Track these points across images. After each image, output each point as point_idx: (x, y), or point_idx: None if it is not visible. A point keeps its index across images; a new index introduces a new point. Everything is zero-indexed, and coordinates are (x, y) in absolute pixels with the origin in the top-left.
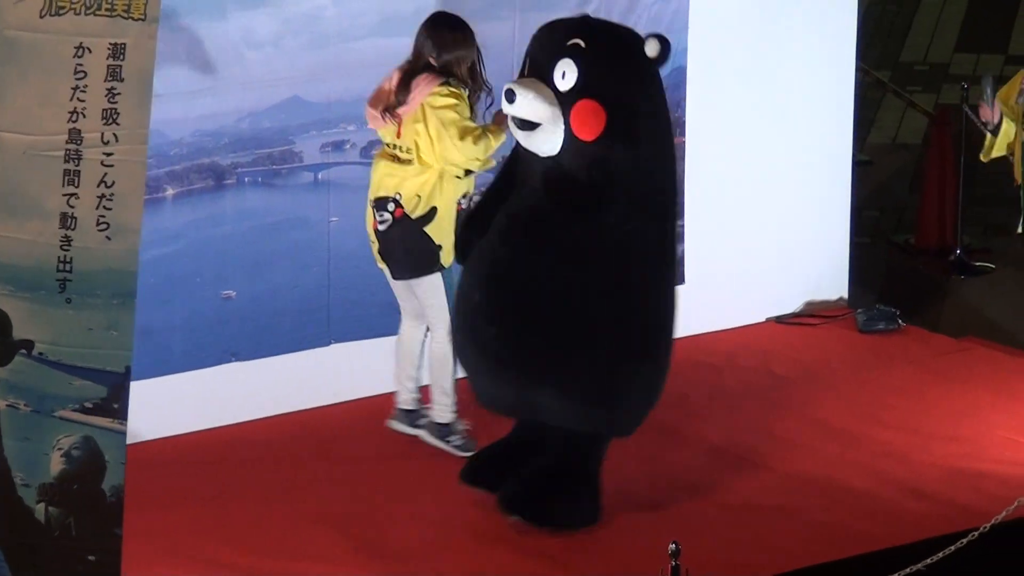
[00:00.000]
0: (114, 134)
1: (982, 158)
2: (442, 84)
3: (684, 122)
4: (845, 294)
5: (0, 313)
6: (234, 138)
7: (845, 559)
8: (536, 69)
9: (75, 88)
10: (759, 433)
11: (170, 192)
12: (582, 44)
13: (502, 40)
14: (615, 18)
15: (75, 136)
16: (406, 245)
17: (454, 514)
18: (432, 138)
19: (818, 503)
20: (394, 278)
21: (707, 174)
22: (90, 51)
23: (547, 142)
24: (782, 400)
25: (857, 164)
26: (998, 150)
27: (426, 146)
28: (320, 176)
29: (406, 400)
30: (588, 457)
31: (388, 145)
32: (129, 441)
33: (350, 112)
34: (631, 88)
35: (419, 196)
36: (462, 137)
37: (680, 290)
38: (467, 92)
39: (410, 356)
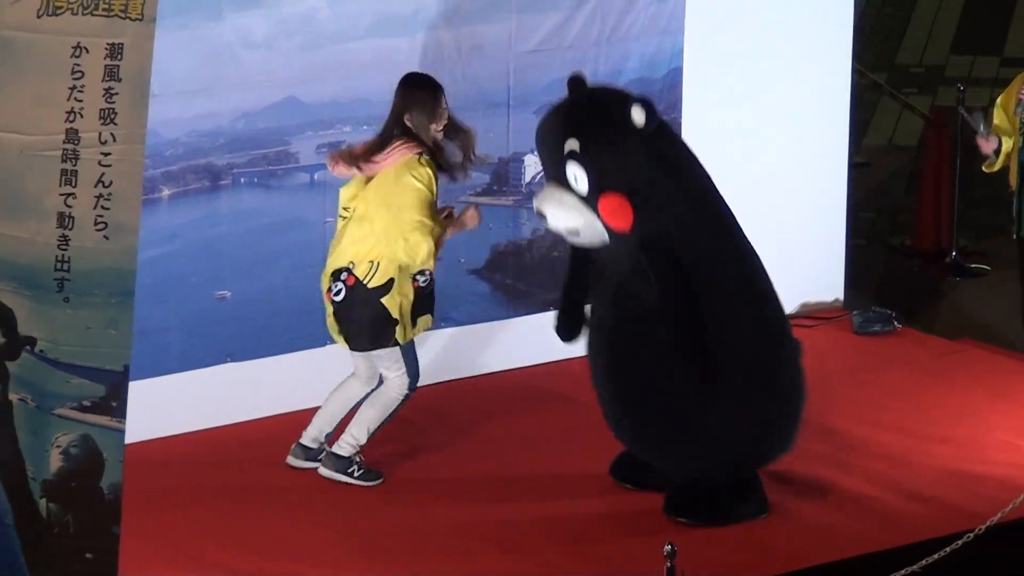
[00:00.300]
0: (111, 134)
1: (984, 169)
2: (417, 155)
3: (680, 124)
4: (841, 296)
5: (5, 308)
6: (230, 139)
7: (841, 560)
8: (550, 170)
9: (72, 88)
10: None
11: (166, 192)
12: (577, 149)
13: (498, 42)
14: (611, 19)
15: (72, 136)
16: (363, 315)
17: (453, 517)
18: (389, 213)
19: (814, 504)
20: (352, 349)
21: None
22: (87, 51)
23: (595, 238)
24: None
25: (853, 166)
26: (1001, 163)
27: (383, 214)
28: (316, 177)
29: (312, 437)
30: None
31: (343, 209)
32: (125, 441)
33: (346, 113)
34: (639, 165)
35: (372, 263)
36: (415, 230)
37: None
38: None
39: (342, 406)
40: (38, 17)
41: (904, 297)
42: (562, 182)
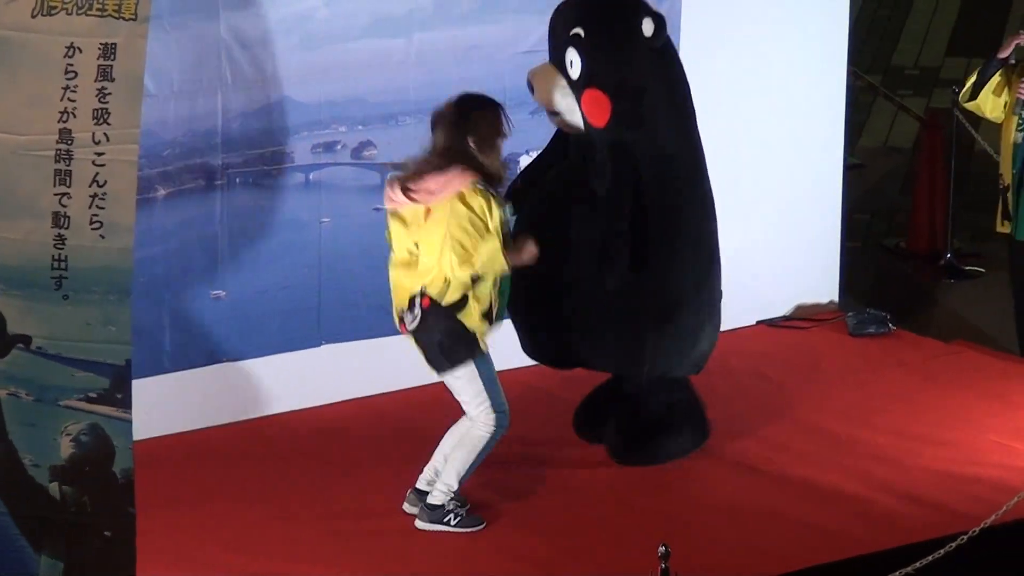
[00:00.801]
0: (105, 134)
1: (960, 99)
2: (474, 183)
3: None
4: (836, 297)
5: None
6: (226, 138)
7: (835, 562)
8: (553, 54)
9: (65, 88)
10: (749, 436)
11: (161, 192)
12: (582, 34)
13: (494, 43)
14: None
15: (65, 136)
16: (440, 333)
17: None
18: (445, 242)
19: (808, 506)
20: (434, 370)
21: None
22: (81, 51)
23: (572, 123)
24: (772, 403)
25: (848, 168)
26: (981, 103)
27: (438, 246)
28: (311, 177)
29: (427, 481)
30: (671, 390)
31: (407, 252)
32: None
33: (341, 113)
34: (634, 73)
35: (447, 281)
36: (465, 260)
37: None
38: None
39: (449, 441)
40: (32, 17)
41: (899, 299)
42: (559, 64)
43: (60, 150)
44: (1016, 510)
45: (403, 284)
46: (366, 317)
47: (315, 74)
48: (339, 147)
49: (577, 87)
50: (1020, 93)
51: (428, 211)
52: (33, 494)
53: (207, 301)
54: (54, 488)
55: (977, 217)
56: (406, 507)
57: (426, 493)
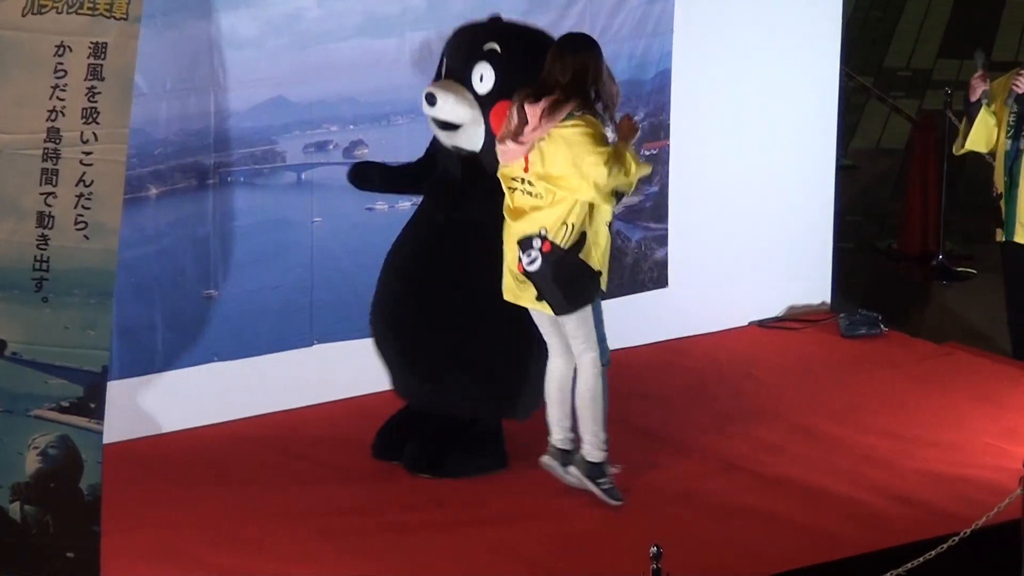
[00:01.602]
0: (94, 133)
1: (955, 151)
2: (571, 115)
3: (668, 125)
4: (828, 299)
5: None
6: (217, 138)
7: (826, 563)
8: (453, 72)
9: (55, 87)
10: (740, 437)
11: (153, 191)
12: (498, 49)
13: None
14: (600, 21)
15: (54, 135)
16: (564, 277)
17: (437, 516)
18: (571, 170)
19: (799, 507)
20: (556, 314)
21: (691, 178)
22: (71, 50)
23: (468, 141)
24: (764, 404)
25: (841, 169)
26: (973, 143)
27: (565, 178)
28: (303, 176)
29: (561, 440)
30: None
31: (515, 179)
32: (110, 440)
33: (333, 112)
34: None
35: (566, 224)
36: (604, 165)
37: (663, 294)
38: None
39: (561, 394)
40: (23, 16)
41: (890, 300)
42: (462, 80)
43: (48, 149)
44: (1007, 512)
45: (520, 220)
46: (358, 316)
47: (307, 74)
48: (331, 146)
49: (486, 101)
50: (1016, 86)
51: (541, 152)
52: None
53: (199, 300)
54: (14, 509)
55: (969, 219)
56: (546, 460)
57: (567, 451)
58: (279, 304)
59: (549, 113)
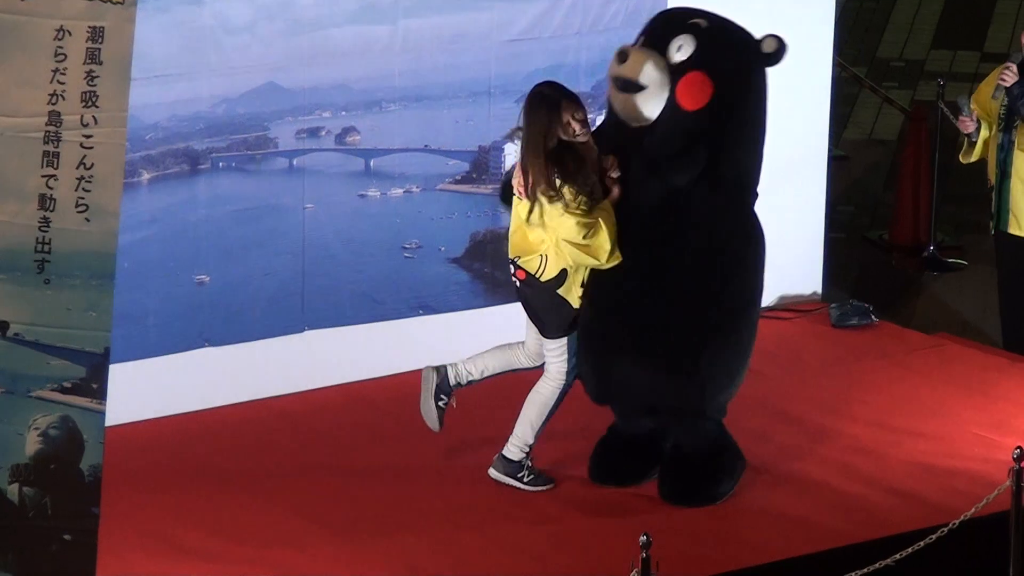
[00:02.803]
0: (93, 116)
1: (961, 159)
2: (546, 189)
3: None
4: (819, 289)
5: None
6: (209, 123)
7: (814, 554)
8: (652, 42)
9: (55, 70)
10: (730, 427)
11: (145, 177)
12: (703, 24)
13: (480, 30)
14: (593, 11)
15: (55, 118)
16: (544, 306)
17: (429, 504)
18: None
19: (787, 498)
20: (542, 335)
21: None
22: (70, 34)
23: (647, 106)
24: (753, 394)
25: (833, 159)
26: (978, 154)
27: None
28: (295, 162)
29: (453, 364)
30: (719, 429)
31: (517, 194)
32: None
33: (325, 99)
34: (741, 75)
35: (542, 256)
36: (577, 243)
37: None
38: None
39: (501, 364)
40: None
41: (881, 291)
42: (659, 50)
43: (49, 132)
44: (996, 503)
45: (511, 236)
46: (349, 303)
47: (300, 60)
48: (323, 133)
49: (678, 69)
50: (1003, 80)
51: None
52: None
53: (191, 286)
54: (13, 491)
55: (960, 210)
56: (491, 472)
57: (446, 375)
58: (270, 290)
59: (532, 184)
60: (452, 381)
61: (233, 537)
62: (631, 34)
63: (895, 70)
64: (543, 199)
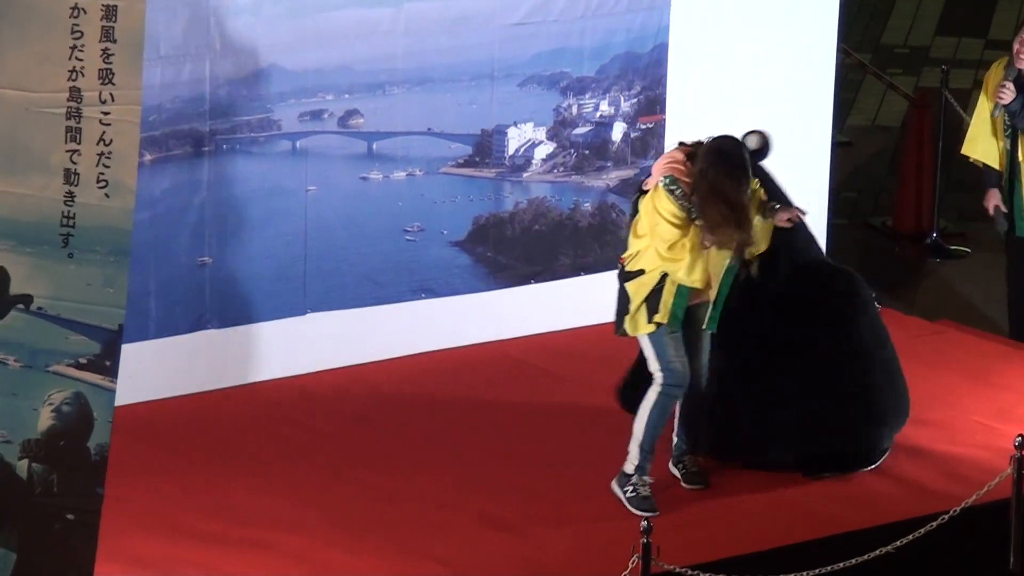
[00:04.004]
0: (111, 94)
1: (963, 151)
2: (667, 178)
3: (664, 100)
4: None
5: (0, 269)
6: (213, 105)
7: (815, 540)
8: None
9: (73, 48)
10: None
11: (148, 158)
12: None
13: (484, 14)
14: None
15: (75, 94)
16: (617, 296)
17: (427, 488)
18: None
19: (788, 484)
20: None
21: None
22: (84, 12)
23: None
24: None
25: (836, 145)
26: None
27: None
28: (298, 145)
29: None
30: None
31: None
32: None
33: (328, 81)
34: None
35: (637, 252)
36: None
37: None
38: (686, 202)
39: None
40: None
41: (884, 277)
42: None
43: (71, 108)
44: (997, 491)
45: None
46: (351, 286)
47: (303, 42)
48: (326, 115)
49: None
50: (1000, 97)
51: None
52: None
53: (193, 268)
54: (22, 467)
55: (963, 197)
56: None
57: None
58: (272, 272)
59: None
60: (676, 452)
61: (233, 520)
62: (634, 18)
63: (899, 56)
64: (654, 192)
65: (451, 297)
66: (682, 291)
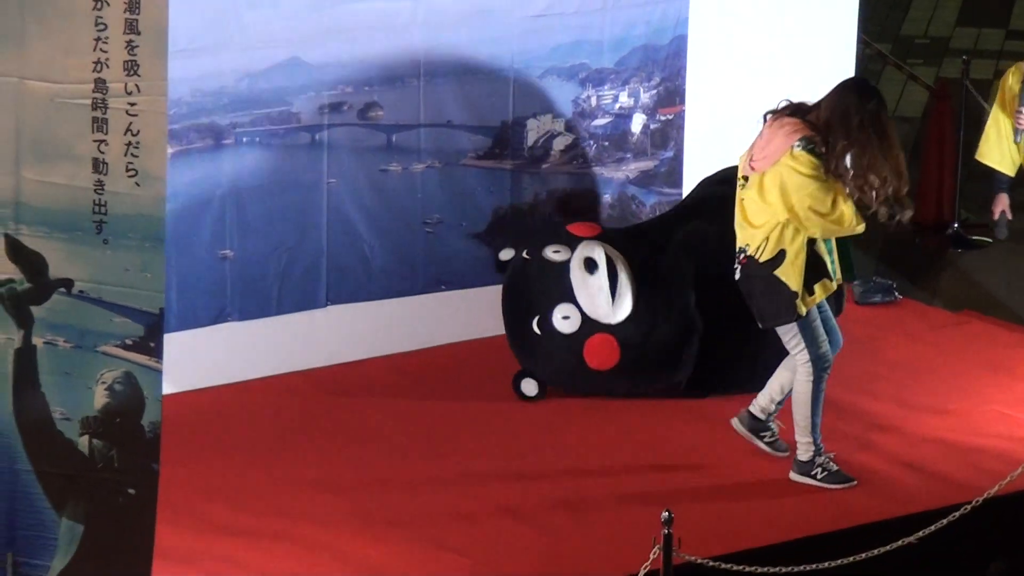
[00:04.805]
0: (136, 85)
1: (977, 157)
2: (801, 141)
3: (684, 91)
4: None
5: (34, 254)
6: (233, 98)
7: (837, 531)
8: None
9: (97, 39)
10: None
11: (169, 151)
12: None
13: (504, 6)
14: None
15: (101, 85)
16: (760, 291)
17: (451, 481)
18: (783, 202)
19: None
20: (760, 327)
21: (706, 143)
22: (108, 4)
23: None
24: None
25: None
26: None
27: (772, 203)
28: (318, 137)
29: (760, 407)
30: None
31: (743, 176)
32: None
33: (348, 74)
34: None
35: (766, 239)
36: (810, 210)
37: None
38: (823, 154)
39: (780, 385)
40: None
41: (905, 268)
42: None
43: (96, 99)
44: (1019, 481)
45: (736, 227)
46: (371, 278)
47: (323, 34)
48: (345, 108)
49: None
50: (1019, 123)
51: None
52: (61, 450)
53: (214, 261)
54: (83, 443)
55: (985, 188)
56: (733, 422)
57: (758, 418)
58: (293, 265)
59: (783, 136)
60: (761, 416)
61: (255, 512)
62: (654, 10)
63: (920, 47)
64: (789, 161)
65: (470, 289)
66: (831, 252)
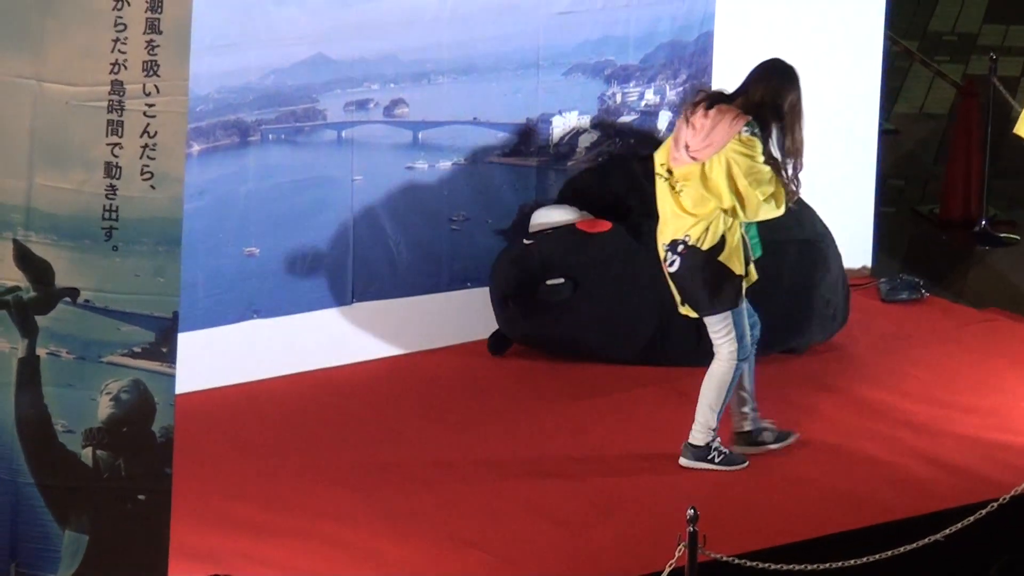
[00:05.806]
0: (155, 86)
1: (1016, 131)
2: (748, 126)
3: (710, 89)
4: (869, 263)
5: (42, 262)
6: (259, 95)
7: (863, 528)
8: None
9: (116, 40)
10: (779, 401)
11: (195, 148)
12: None
13: (530, 2)
14: None
15: (118, 87)
16: (704, 279)
17: (475, 478)
18: (729, 188)
19: (837, 472)
20: (699, 315)
21: None
22: (128, 4)
23: None
24: (802, 368)
25: (883, 133)
26: None
27: (719, 193)
28: (343, 134)
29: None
30: None
31: (662, 165)
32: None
33: (374, 70)
34: None
35: (707, 228)
36: (761, 196)
37: None
38: (763, 135)
39: (726, 390)
40: None
41: (932, 265)
42: None
43: (112, 101)
44: None
45: (668, 221)
46: (397, 275)
47: (348, 31)
48: (371, 105)
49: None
50: None
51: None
52: (64, 463)
53: (239, 258)
54: (86, 454)
55: (1012, 184)
56: (681, 460)
57: (749, 431)
58: (319, 262)
59: (718, 131)
60: (750, 427)
61: (278, 509)
62: (680, 6)
63: (947, 44)
64: (737, 146)
65: None
66: (753, 237)
